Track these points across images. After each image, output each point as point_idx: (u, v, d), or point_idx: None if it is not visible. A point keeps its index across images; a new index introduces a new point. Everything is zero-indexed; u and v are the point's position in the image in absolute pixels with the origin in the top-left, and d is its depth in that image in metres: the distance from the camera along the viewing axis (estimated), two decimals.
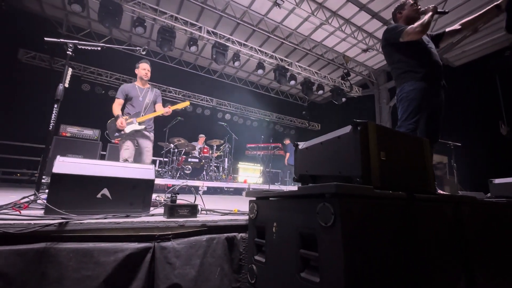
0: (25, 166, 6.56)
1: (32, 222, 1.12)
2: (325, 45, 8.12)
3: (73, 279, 1.07)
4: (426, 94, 2.10)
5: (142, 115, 3.12)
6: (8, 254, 1.00)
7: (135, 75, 3.27)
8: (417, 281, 0.99)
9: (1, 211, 1.32)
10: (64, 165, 1.43)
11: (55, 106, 2.07)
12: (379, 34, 7.14)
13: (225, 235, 1.48)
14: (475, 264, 1.23)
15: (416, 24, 2.07)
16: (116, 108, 3.06)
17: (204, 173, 6.56)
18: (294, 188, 1.22)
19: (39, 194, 1.68)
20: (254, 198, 1.40)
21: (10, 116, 6.51)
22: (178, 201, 1.59)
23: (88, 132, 6.55)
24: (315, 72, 8.74)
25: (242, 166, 9.31)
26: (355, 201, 0.89)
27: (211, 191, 7.28)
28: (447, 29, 2.30)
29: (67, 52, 2.26)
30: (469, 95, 6.63)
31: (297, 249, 1.00)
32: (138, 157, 3.07)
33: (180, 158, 6.53)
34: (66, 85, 2.19)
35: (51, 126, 2.04)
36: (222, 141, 7.43)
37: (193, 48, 6.91)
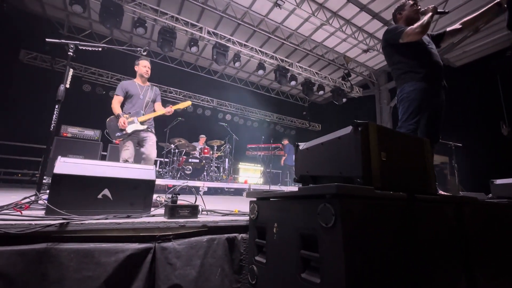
0: (26, 167, 6.58)
1: (33, 222, 1.13)
2: (325, 45, 8.13)
3: (74, 280, 1.07)
4: (426, 95, 2.10)
5: (143, 114, 3.03)
6: (9, 254, 1.00)
7: (136, 76, 3.21)
8: (417, 282, 0.99)
9: (2, 212, 1.32)
10: (65, 165, 1.44)
11: (56, 106, 2.08)
12: (380, 35, 7.13)
13: (226, 235, 1.48)
14: (475, 264, 1.22)
15: (415, 25, 2.07)
16: (116, 106, 2.96)
17: (205, 173, 6.56)
18: (295, 188, 1.21)
19: (40, 195, 1.68)
20: (255, 199, 1.40)
21: (11, 116, 6.53)
22: (178, 202, 1.60)
23: (89, 133, 6.57)
24: (316, 73, 8.74)
25: (242, 166, 9.31)
26: (355, 201, 0.89)
27: (211, 191, 7.29)
28: (448, 29, 2.30)
29: (68, 53, 2.26)
30: (470, 96, 6.61)
31: (297, 249, 1.00)
32: (139, 157, 2.97)
33: (180, 159, 6.54)
34: (67, 85, 2.20)
35: (52, 127, 2.05)
36: (222, 142, 7.43)
37: (194, 49, 6.92)
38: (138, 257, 1.21)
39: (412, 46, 2.17)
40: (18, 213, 1.32)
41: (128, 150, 2.89)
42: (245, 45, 7.32)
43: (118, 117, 2.90)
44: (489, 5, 1.99)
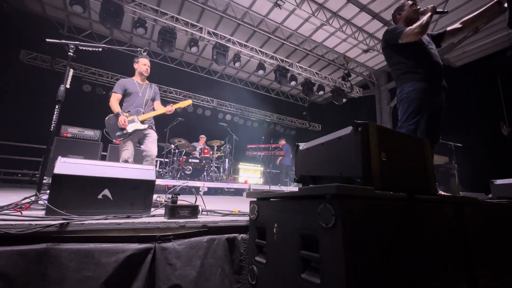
0: (26, 167, 6.58)
1: (33, 222, 1.13)
2: (325, 45, 8.13)
3: (74, 280, 1.07)
4: (426, 95, 2.10)
5: (143, 113, 2.99)
6: (10, 254, 1.01)
7: (134, 74, 3.17)
8: (418, 282, 0.99)
9: (3, 212, 1.32)
10: (65, 165, 1.44)
11: (56, 107, 2.08)
12: (380, 35, 7.13)
13: (226, 236, 1.48)
14: (476, 264, 1.22)
15: (415, 25, 2.07)
16: (115, 104, 2.90)
17: (205, 173, 6.57)
18: (294, 189, 1.21)
19: (40, 195, 1.68)
20: (255, 199, 1.40)
21: (11, 116, 6.53)
22: (178, 202, 1.60)
23: (89, 133, 6.57)
24: (316, 73, 8.75)
25: (242, 166, 9.30)
26: (355, 202, 0.89)
27: (211, 191, 7.29)
28: (448, 28, 2.29)
29: (68, 53, 2.27)
30: (470, 96, 6.61)
31: (298, 250, 1.00)
32: (140, 155, 2.93)
33: (180, 159, 6.54)
34: (67, 86, 2.20)
35: (52, 127, 2.05)
36: (222, 142, 7.44)
37: (194, 49, 6.92)
38: (138, 257, 1.21)
39: (412, 47, 2.17)
40: (18, 213, 1.32)
41: (128, 150, 2.86)
42: (245, 45, 7.32)
43: (117, 115, 2.84)
44: (490, 4, 1.99)
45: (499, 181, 2.56)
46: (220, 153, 7.65)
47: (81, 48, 2.37)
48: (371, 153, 1.06)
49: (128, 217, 1.43)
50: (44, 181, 1.99)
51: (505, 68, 5.85)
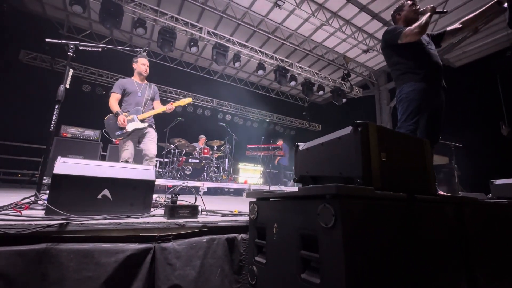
0: (26, 167, 6.58)
1: (33, 222, 1.13)
2: (325, 46, 8.13)
3: (74, 280, 1.07)
4: (425, 95, 2.10)
5: (143, 112, 2.98)
6: (9, 254, 1.00)
7: (133, 74, 3.16)
8: (418, 282, 0.99)
9: (2, 212, 1.32)
10: (65, 166, 1.44)
11: (56, 107, 2.08)
12: (380, 35, 7.12)
13: (226, 236, 1.48)
14: (476, 264, 1.22)
15: (414, 25, 2.07)
16: (114, 104, 2.88)
17: (205, 173, 6.56)
18: (294, 189, 1.21)
19: (40, 195, 1.68)
20: (255, 199, 1.40)
21: (11, 116, 6.53)
22: (178, 202, 1.59)
23: (89, 133, 6.57)
24: (316, 73, 8.75)
25: (242, 167, 9.30)
26: (355, 202, 0.89)
27: (211, 191, 7.28)
28: (448, 28, 2.29)
29: (68, 53, 2.27)
30: (470, 96, 6.62)
31: (297, 250, 1.00)
32: (140, 155, 2.93)
33: (180, 159, 6.54)
34: (67, 86, 2.20)
35: (52, 127, 2.05)
36: (222, 142, 7.43)
37: (194, 49, 6.92)
38: (138, 257, 1.21)
39: (411, 47, 2.17)
40: (18, 213, 1.31)
41: (128, 150, 2.85)
42: (245, 45, 7.33)
43: (117, 115, 2.83)
44: (489, 4, 1.98)
45: (499, 181, 2.56)
46: (220, 153, 7.65)
47: (80, 48, 2.37)
48: (371, 153, 1.06)
49: (127, 217, 1.43)
50: (43, 181, 1.99)
51: (505, 68, 5.86)
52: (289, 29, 7.44)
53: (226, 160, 7.75)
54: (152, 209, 1.66)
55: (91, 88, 8.27)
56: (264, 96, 10.91)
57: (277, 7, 6.36)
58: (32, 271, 1.02)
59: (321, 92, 9.31)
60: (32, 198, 1.61)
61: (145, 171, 1.67)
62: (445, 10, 2.20)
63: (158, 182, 5.59)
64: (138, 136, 2.99)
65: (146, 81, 3.19)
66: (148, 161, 2.90)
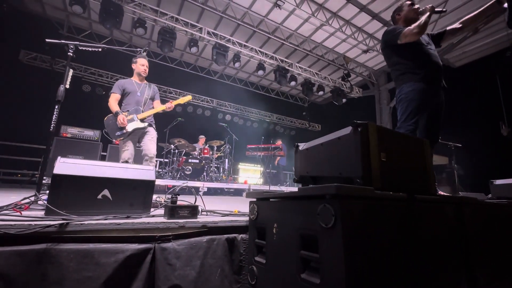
0: (26, 167, 6.58)
1: (33, 223, 1.13)
2: (325, 46, 8.13)
3: (74, 280, 1.07)
4: (425, 95, 2.10)
5: (142, 111, 2.97)
6: (9, 254, 1.00)
7: (133, 74, 3.15)
8: (418, 282, 0.99)
9: (2, 212, 1.32)
10: (65, 166, 1.44)
11: (56, 107, 2.08)
12: (380, 35, 7.10)
13: (226, 236, 1.48)
14: (476, 264, 1.22)
15: (413, 25, 2.07)
16: (114, 104, 2.88)
17: (205, 174, 6.57)
18: (294, 189, 1.21)
19: (40, 195, 1.68)
20: (255, 199, 1.40)
21: (11, 116, 6.53)
22: (178, 202, 1.59)
23: (89, 133, 6.57)
24: (316, 73, 8.75)
25: (242, 167, 9.30)
26: (355, 202, 0.89)
27: (211, 192, 7.28)
28: (448, 28, 2.29)
29: (68, 53, 2.27)
30: (470, 96, 6.63)
31: (297, 250, 1.00)
32: (139, 155, 2.92)
33: (180, 159, 6.54)
34: (67, 86, 2.20)
35: (52, 127, 2.05)
36: (222, 142, 7.43)
37: (194, 49, 6.92)
38: (138, 257, 1.21)
39: (411, 47, 2.17)
40: (18, 213, 1.31)
41: (128, 151, 2.85)
42: (245, 45, 7.33)
43: (116, 114, 2.83)
44: (489, 3, 1.99)
45: (498, 181, 2.56)
46: (220, 153, 7.65)
47: (80, 48, 2.37)
48: (370, 153, 1.06)
49: (127, 217, 1.43)
50: (43, 181, 1.99)
51: (504, 68, 5.86)
52: (289, 29, 7.44)
53: (226, 160, 7.75)
54: (152, 209, 1.66)
55: (91, 88, 8.27)
56: (264, 96, 10.91)
57: (277, 7, 6.37)
58: (32, 271, 1.02)
59: (321, 92, 9.31)
60: (32, 198, 1.60)
61: (145, 171, 1.67)
62: (444, 10, 2.20)
63: (158, 182, 5.59)
64: (138, 136, 2.98)
65: (145, 81, 3.19)
66: (148, 161, 2.90)
